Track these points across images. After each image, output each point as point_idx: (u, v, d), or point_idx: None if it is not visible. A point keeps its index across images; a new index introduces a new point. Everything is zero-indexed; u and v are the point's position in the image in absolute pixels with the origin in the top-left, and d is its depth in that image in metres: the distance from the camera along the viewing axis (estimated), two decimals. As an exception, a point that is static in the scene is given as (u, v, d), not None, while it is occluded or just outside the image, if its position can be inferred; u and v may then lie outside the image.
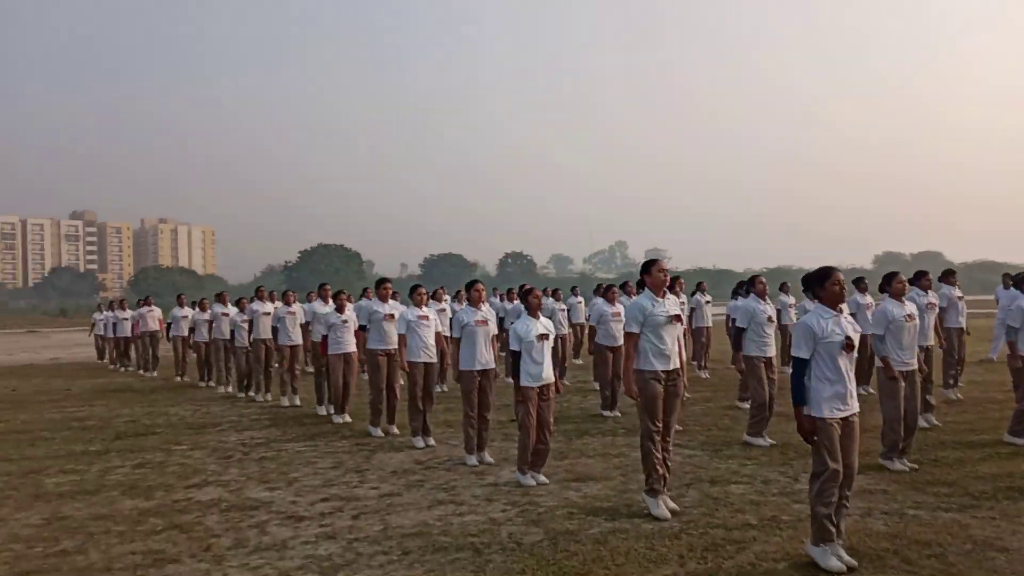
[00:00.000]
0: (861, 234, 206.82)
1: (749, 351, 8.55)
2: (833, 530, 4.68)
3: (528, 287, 7.21)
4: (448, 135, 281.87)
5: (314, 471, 7.61)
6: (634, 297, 8.41)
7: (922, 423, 8.40)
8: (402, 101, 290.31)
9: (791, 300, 14.36)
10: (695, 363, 15.20)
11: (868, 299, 11.61)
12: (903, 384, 7.20)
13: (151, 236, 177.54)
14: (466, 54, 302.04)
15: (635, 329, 5.92)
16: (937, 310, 9.20)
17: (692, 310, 15.46)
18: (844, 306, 4.98)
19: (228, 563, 5.06)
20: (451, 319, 10.13)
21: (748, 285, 9.09)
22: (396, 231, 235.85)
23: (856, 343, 4.80)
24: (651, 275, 6.03)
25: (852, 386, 4.81)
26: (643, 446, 5.93)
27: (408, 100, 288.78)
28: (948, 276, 11.57)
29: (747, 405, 10.77)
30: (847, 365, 4.77)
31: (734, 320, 9.09)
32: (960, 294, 11.62)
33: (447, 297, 15.76)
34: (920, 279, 9.09)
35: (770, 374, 8.53)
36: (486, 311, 7.92)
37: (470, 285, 8.08)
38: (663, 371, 5.90)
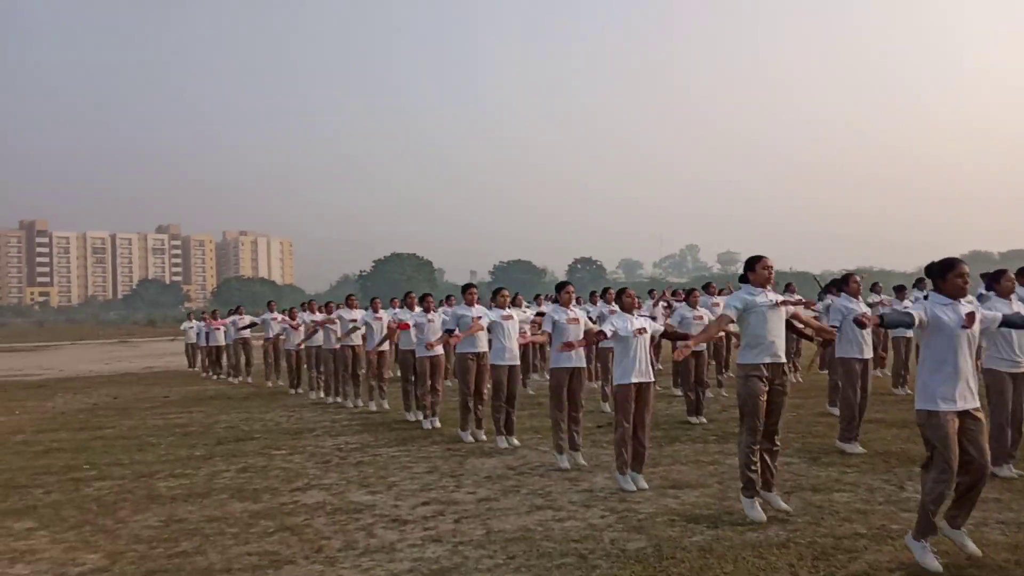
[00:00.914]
0: (945, 230, 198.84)
1: (845, 352, 8.38)
2: (933, 525, 4.60)
3: (622, 288, 7.28)
4: (520, 138, 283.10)
5: (411, 475, 7.77)
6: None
7: None
8: (473, 105, 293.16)
9: (880, 298, 14.00)
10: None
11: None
12: (1010, 387, 6.94)
13: (232, 248, 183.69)
14: (543, 56, 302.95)
15: (731, 313, 5.85)
16: None
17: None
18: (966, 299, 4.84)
19: (341, 565, 5.22)
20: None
21: (841, 283, 8.90)
22: (465, 239, 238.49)
23: (975, 338, 4.68)
24: (755, 272, 5.95)
25: (972, 380, 4.66)
26: (742, 444, 5.85)
27: (479, 104, 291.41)
28: None
29: (836, 410, 10.56)
30: (966, 355, 4.62)
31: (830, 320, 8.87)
32: None
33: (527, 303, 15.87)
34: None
35: (864, 378, 8.34)
36: (577, 311, 8.02)
37: (560, 287, 8.17)
38: (766, 365, 5.80)
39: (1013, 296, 6.97)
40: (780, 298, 5.99)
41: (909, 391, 12.24)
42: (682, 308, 11.05)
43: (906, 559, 4.87)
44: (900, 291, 13.23)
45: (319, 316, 14.72)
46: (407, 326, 11.11)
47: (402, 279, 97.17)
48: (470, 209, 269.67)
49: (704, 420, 10.45)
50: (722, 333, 10.05)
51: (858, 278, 8.75)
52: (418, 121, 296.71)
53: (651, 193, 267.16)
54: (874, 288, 14.45)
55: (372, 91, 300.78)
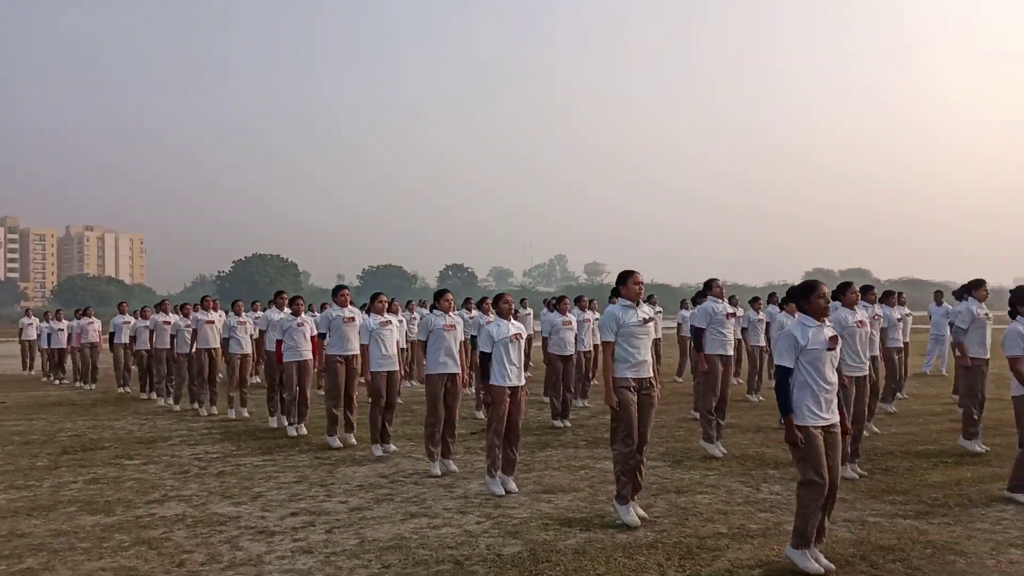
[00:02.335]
0: (790, 251, 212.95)
1: (712, 350, 8.82)
2: (812, 536, 4.85)
3: (500, 294, 7.35)
4: (379, 150, 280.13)
5: (277, 485, 7.51)
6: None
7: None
8: (329, 114, 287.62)
9: (736, 310, 14.78)
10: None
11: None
12: (853, 390, 7.51)
13: (76, 244, 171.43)
14: (391, 67, 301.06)
15: (610, 337, 6.04)
16: (881, 323, 9.61)
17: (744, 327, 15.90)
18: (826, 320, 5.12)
19: (205, 579, 4.97)
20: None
21: (705, 288, 9.37)
22: (332, 243, 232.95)
23: (837, 355, 4.99)
24: (627, 286, 6.15)
25: (834, 396, 4.97)
26: (616, 453, 6.03)
27: (336, 113, 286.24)
28: (888, 296, 12.08)
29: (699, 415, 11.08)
30: (830, 373, 4.93)
31: (693, 326, 9.31)
32: (899, 314, 12.10)
33: (405, 312, 15.69)
34: (866, 294, 9.47)
35: (727, 376, 8.86)
36: (455, 317, 8.03)
37: (439, 295, 8.15)
38: (635, 379, 6.02)
39: (856, 307, 7.60)
40: (650, 314, 6.23)
41: (762, 398, 13.00)
42: (552, 316, 11.27)
43: (764, 557, 5.15)
44: (755, 302, 13.96)
45: (172, 316, 13.99)
46: (279, 355, 10.69)
47: (264, 281, 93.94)
48: (337, 214, 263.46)
49: (569, 424, 10.70)
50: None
51: (720, 282, 9.25)
52: (275, 130, 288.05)
53: (522, 202, 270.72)
54: (731, 301, 15.22)
55: (227, 88, 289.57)
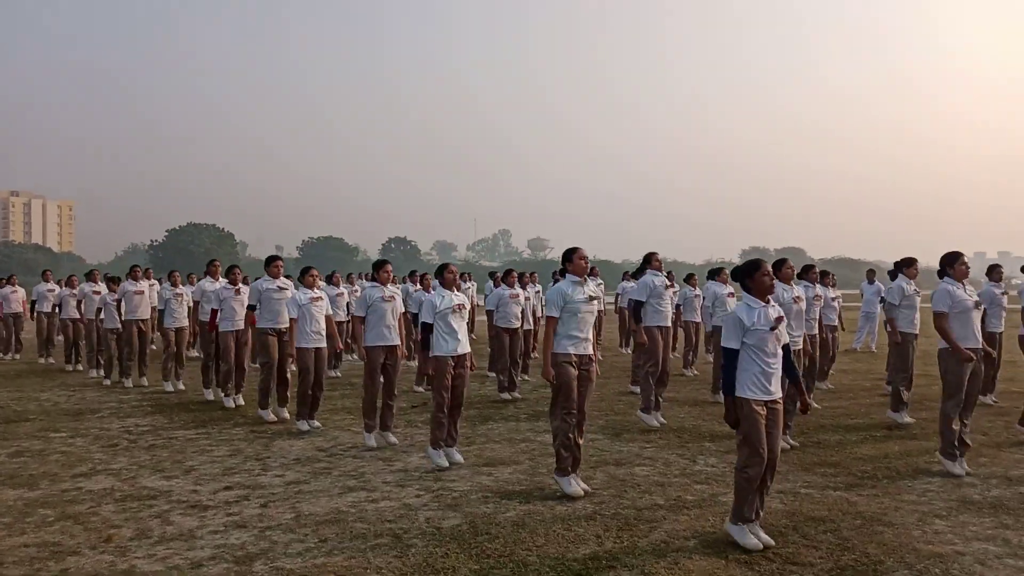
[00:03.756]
0: (729, 230, 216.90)
1: (650, 321, 8.90)
2: (753, 512, 4.91)
3: (444, 264, 7.26)
4: (327, 115, 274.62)
5: (211, 459, 7.33)
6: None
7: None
8: (281, 77, 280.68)
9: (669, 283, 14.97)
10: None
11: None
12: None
13: (1, 209, 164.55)
14: (351, 24, 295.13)
15: (555, 313, 6.02)
16: (821, 303, 9.78)
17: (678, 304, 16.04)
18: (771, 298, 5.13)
19: (133, 554, 4.81)
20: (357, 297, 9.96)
21: (644, 262, 9.41)
22: (271, 212, 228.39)
23: (784, 335, 5.01)
24: (573, 263, 6.13)
25: (778, 372, 4.99)
26: (556, 428, 6.03)
27: (289, 77, 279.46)
28: (822, 276, 12.33)
29: (638, 389, 11.19)
30: (775, 350, 4.96)
31: (631, 299, 9.36)
32: (833, 294, 12.35)
33: (346, 284, 15.43)
34: (807, 272, 9.59)
35: (666, 348, 8.99)
36: (393, 289, 7.93)
37: (378, 265, 8.01)
38: (576, 355, 6.03)
39: (792, 282, 7.77)
40: (596, 292, 6.24)
41: (697, 372, 13.24)
42: (500, 289, 11.23)
43: (700, 528, 5.23)
44: (690, 279, 14.10)
45: (101, 286, 13.49)
46: (213, 324, 10.39)
47: (199, 251, 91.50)
48: (277, 183, 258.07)
49: (518, 395, 10.73)
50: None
51: (659, 255, 9.33)
52: (220, 88, 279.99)
53: (468, 175, 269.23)
54: (668, 276, 15.39)
55: (173, 49, 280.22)
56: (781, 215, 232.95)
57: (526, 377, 12.77)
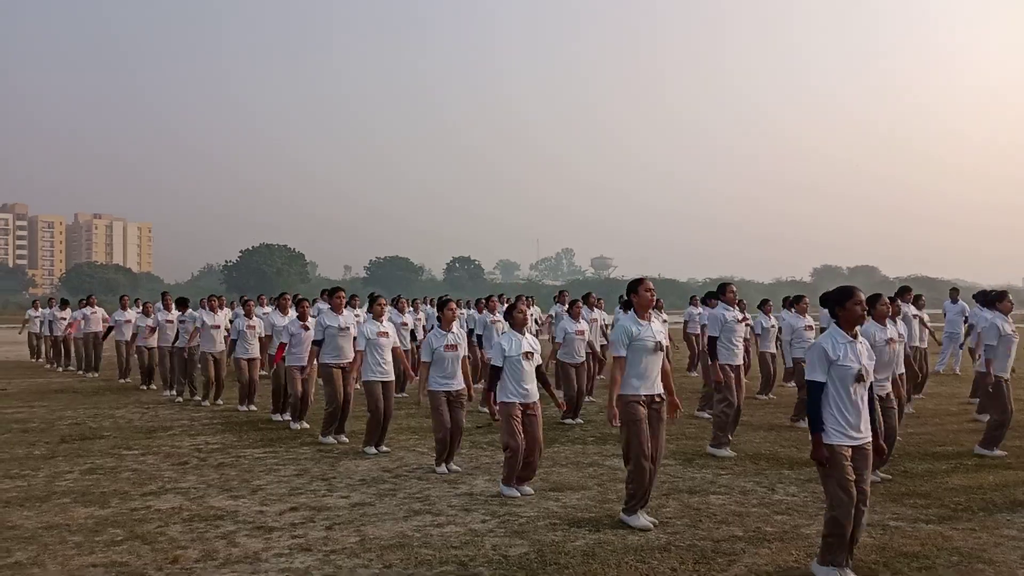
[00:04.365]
0: (799, 246, 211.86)
1: (722, 359, 8.54)
2: (844, 555, 4.58)
3: (514, 301, 7.03)
4: (389, 141, 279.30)
5: (278, 479, 7.31)
6: (618, 318, 8.44)
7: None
8: (343, 107, 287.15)
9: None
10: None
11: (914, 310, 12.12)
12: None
13: (85, 231, 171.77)
14: (405, 57, 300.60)
15: (621, 352, 5.77)
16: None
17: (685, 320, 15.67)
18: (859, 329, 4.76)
19: (199, 577, 4.77)
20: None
21: (718, 292, 9.09)
22: (339, 235, 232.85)
23: (869, 375, 4.65)
24: (638, 295, 5.87)
25: (865, 414, 4.64)
26: (632, 472, 5.73)
27: (349, 105, 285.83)
28: (916, 298, 11.86)
29: (706, 414, 10.81)
30: (861, 393, 4.61)
31: (704, 328, 9.04)
32: (915, 312, 11.80)
33: (410, 310, 15.41)
34: (903, 295, 9.01)
35: (740, 383, 8.57)
36: (457, 334, 7.61)
37: (442, 305, 7.72)
38: (646, 395, 5.77)
39: (887, 322, 7.11)
40: (663, 337, 5.91)
41: (773, 395, 12.76)
42: (565, 323, 10.92)
43: (783, 562, 4.93)
44: (764, 306, 13.53)
45: (174, 314, 13.81)
46: (280, 356, 10.47)
47: (271, 271, 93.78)
48: (344, 206, 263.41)
49: (581, 420, 10.48)
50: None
51: (733, 287, 8.99)
52: (281, 115, 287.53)
53: (531, 195, 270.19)
54: (741, 306, 14.90)
55: (235, 79, 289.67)
56: (853, 230, 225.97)
57: (591, 398, 12.53)
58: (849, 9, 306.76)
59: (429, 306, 19.39)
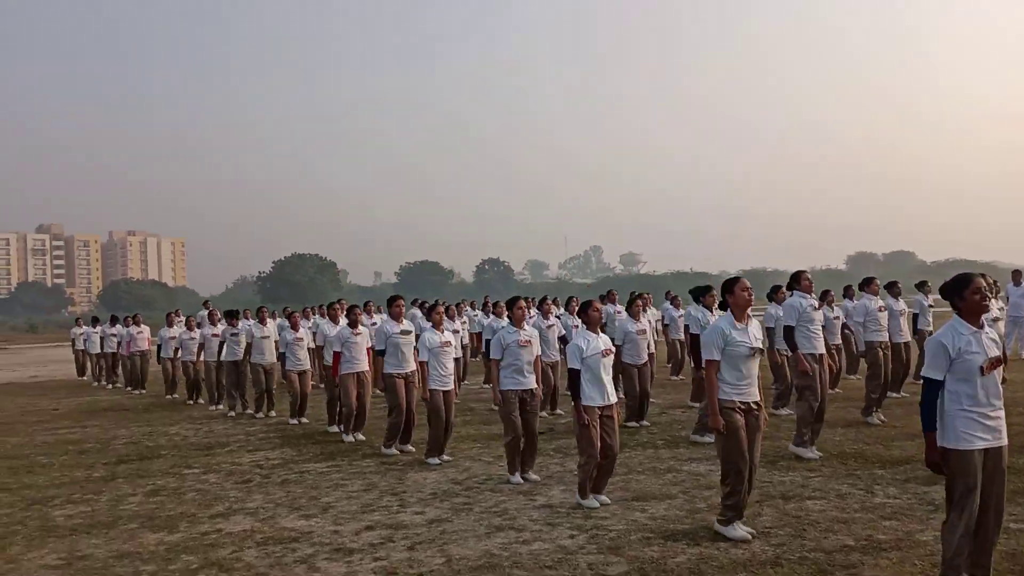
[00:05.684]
0: (832, 231, 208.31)
1: (802, 349, 8.16)
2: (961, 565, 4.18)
3: (587, 301, 6.74)
4: (413, 148, 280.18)
5: (347, 495, 7.06)
6: (713, 319, 8.16)
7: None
8: (366, 116, 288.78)
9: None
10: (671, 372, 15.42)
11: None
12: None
13: (119, 249, 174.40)
14: (431, 59, 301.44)
15: (716, 356, 5.41)
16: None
17: (665, 323, 15.33)
18: (984, 318, 4.30)
19: (285, 607, 4.51)
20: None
21: (792, 281, 8.68)
22: (368, 244, 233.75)
23: (1003, 359, 4.24)
24: (735, 295, 5.51)
25: (999, 411, 4.21)
26: (729, 485, 5.38)
27: (372, 114, 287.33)
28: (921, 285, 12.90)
29: (783, 411, 10.39)
30: (990, 388, 4.19)
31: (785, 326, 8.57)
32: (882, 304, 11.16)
33: (468, 310, 15.13)
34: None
35: (824, 375, 8.19)
36: (531, 330, 7.48)
37: (512, 303, 7.63)
38: (741, 402, 5.42)
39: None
40: (759, 339, 5.57)
41: (840, 390, 12.28)
42: (625, 323, 10.56)
43: (908, 574, 4.55)
44: (826, 296, 13.08)
45: (220, 327, 13.62)
46: (336, 368, 10.19)
47: (304, 280, 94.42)
48: (371, 213, 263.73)
49: (647, 423, 10.13)
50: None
51: (808, 274, 8.62)
52: (305, 126, 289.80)
53: (557, 194, 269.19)
54: (824, 296, 14.44)
55: (258, 93, 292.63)
56: (888, 215, 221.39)
57: (652, 400, 12.14)
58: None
59: (471, 309, 19.18)
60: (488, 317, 14.62)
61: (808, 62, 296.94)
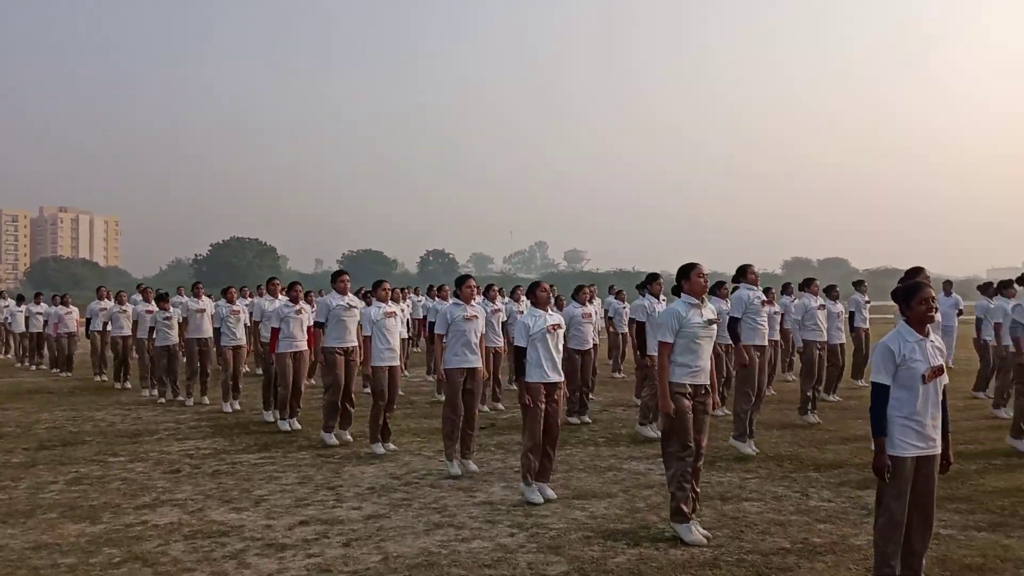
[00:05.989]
0: (769, 238, 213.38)
1: (749, 340, 8.26)
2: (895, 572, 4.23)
3: (536, 281, 6.73)
4: (363, 132, 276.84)
5: (280, 488, 6.86)
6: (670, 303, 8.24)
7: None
8: (317, 97, 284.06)
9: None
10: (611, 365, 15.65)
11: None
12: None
13: (50, 225, 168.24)
14: (392, 46, 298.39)
15: (668, 338, 5.41)
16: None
17: (610, 316, 15.47)
18: (930, 328, 4.32)
19: (212, 605, 4.33)
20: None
21: (738, 274, 8.77)
22: (311, 228, 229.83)
23: (944, 370, 4.27)
24: (691, 280, 5.52)
25: (936, 420, 4.24)
26: (671, 468, 5.39)
27: (322, 96, 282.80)
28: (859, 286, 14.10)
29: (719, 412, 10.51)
30: (930, 396, 4.22)
31: (729, 314, 8.68)
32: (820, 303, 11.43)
33: (412, 296, 14.91)
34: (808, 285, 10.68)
35: (764, 368, 8.38)
36: (476, 307, 7.42)
37: (460, 281, 7.52)
38: (692, 386, 5.43)
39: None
40: (714, 315, 5.61)
41: (774, 391, 12.50)
42: (570, 307, 10.55)
43: (843, 578, 4.60)
44: (787, 289, 13.42)
45: (153, 305, 13.14)
46: (274, 346, 9.91)
47: (242, 265, 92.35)
48: (315, 199, 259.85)
49: (588, 420, 10.13)
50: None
51: (754, 268, 8.74)
52: (253, 106, 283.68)
53: (503, 188, 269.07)
54: (767, 291, 14.75)
55: (206, 66, 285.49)
56: (822, 224, 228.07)
57: (592, 397, 12.15)
58: (824, 10, 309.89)
59: (415, 295, 19.02)
60: (432, 300, 14.47)
61: (749, 77, 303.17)
